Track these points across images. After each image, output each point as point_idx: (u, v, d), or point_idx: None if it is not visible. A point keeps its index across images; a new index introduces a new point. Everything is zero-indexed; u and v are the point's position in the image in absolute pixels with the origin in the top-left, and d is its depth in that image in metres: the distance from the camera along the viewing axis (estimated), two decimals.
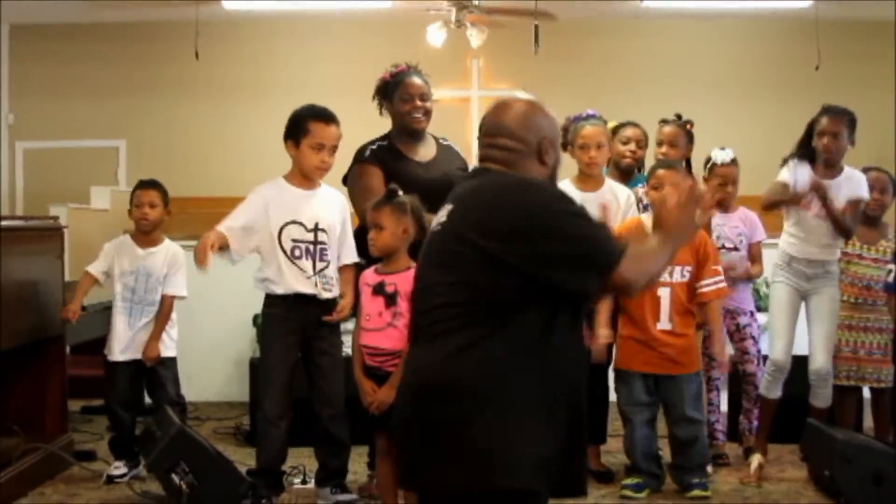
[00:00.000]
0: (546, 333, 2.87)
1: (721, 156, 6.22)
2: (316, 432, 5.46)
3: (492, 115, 3.16)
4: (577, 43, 11.44)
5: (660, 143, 6.22)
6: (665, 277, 5.48)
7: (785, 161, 6.00)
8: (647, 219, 5.67)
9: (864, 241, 6.13)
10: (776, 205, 5.96)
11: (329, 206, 5.45)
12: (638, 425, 5.62)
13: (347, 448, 5.48)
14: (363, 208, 5.30)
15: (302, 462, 5.89)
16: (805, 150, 5.96)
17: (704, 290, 5.59)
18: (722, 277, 5.65)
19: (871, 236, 6.12)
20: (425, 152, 5.61)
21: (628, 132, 6.33)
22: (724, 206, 6.19)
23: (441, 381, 2.82)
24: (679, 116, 6.32)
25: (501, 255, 2.84)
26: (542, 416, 2.85)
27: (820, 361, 5.95)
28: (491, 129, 3.12)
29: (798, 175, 5.91)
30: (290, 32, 11.61)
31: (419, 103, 5.57)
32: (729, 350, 6.18)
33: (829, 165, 5.93)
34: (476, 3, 9.79)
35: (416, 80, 5.60)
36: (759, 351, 6.29)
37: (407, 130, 5.59)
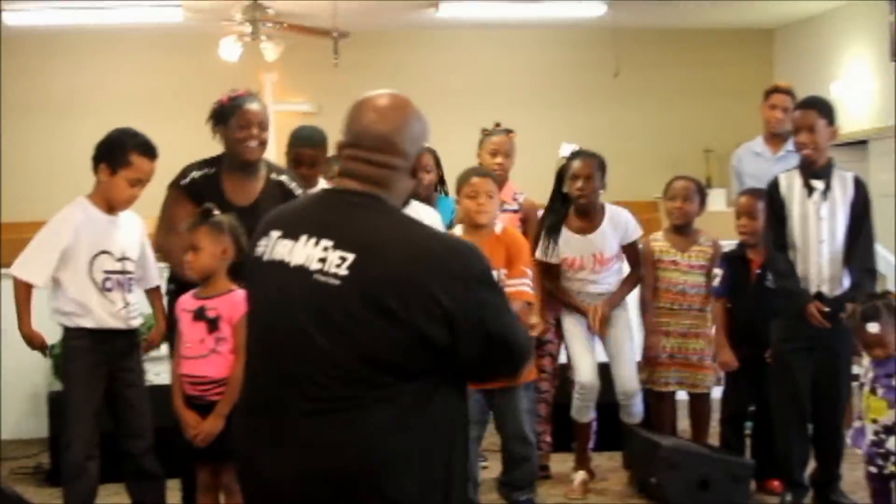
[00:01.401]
0: (442, 400, 2.64)
1: (565, 149, 6.13)
2: (127, 468, 5.16)
3: (368, 119, 2.70)
4: (375, 55, 11.39)
5: (494, 153, 6.07)
6: None
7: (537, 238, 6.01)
8: (458, 231, 5.51)
9: (676, 248, 6.14)
10: None
11: (131, 232, 5.19)
12: None
13: (163, 481, 5.21)
14: (159, 236, 5.10)
15: (107, 501, 5.56)
16: (557, 202, 5.99)
17: (510, 290, 5.20)
18: (527, 280, 5.38)
19: (682, 243, 6.13)
20: (250, 192, 5.16)
21: (426, 160, 6.08)
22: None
23: (346, 465, 2.54)
24: (498, 125, 6.20)
25: (430, 336, 2.53)
26: (448, 487, 2.67)
27: (626, 383, 5.95)
28: (365, 140, 2.67)
29: (561, 245, 5.95)
30: (83, 46, 11.27)
31: (256, 132, 5.13)
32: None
33: (584, 213, 5.96)
34: (270, 11, 9.56)
35: (255, 107, 5.18)
36: (555, 369, 6.20)
37: (238, 160, 5.17)
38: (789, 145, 6.72)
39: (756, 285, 5.85)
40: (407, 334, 2.52)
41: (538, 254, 5.92)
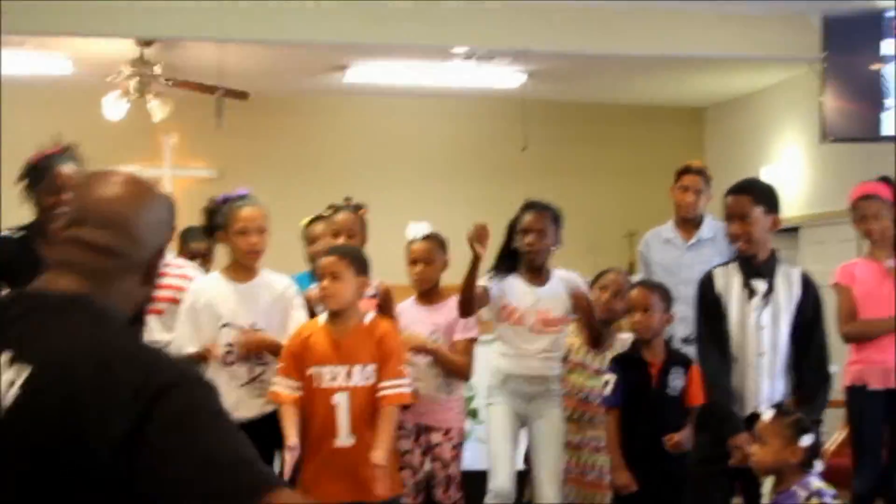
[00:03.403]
0: None
1: (413, 230, 5.41)
2: None
3: (102, 191, 2.05)
4: (279, 120, 10.94)
5: (336, 234, 5.35)
6: (341, 381, 4.62)
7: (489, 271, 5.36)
8: (322, 318, 4.81)
9: (589, 349, 5.45)
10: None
11: None
12: None
13: None
14: None
15: None
16: (506, 258, 5.35)
17: (385, 392, 4.65)
18: (406, 380, 4.75)
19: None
20: None
21: (317, 229, 5.53)
22: (426, 295, 5.37)
23: None
24: (349, 200, 5.54)
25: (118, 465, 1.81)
26: None
27: (549, 496, 5.23)
28: (94, 216, 2.02)
29: (505, 288, 5.28)
30: None
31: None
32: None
33: (534, 268, 5.30)
34: (156, 68, 8.84)
35: (69, 170, 4.48)
36: (417, 483, 5.34)
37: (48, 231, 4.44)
38: (703, 232, 6.14)
39: (657, 392, 5.10)
40: (90, 464, 1.80)
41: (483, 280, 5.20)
